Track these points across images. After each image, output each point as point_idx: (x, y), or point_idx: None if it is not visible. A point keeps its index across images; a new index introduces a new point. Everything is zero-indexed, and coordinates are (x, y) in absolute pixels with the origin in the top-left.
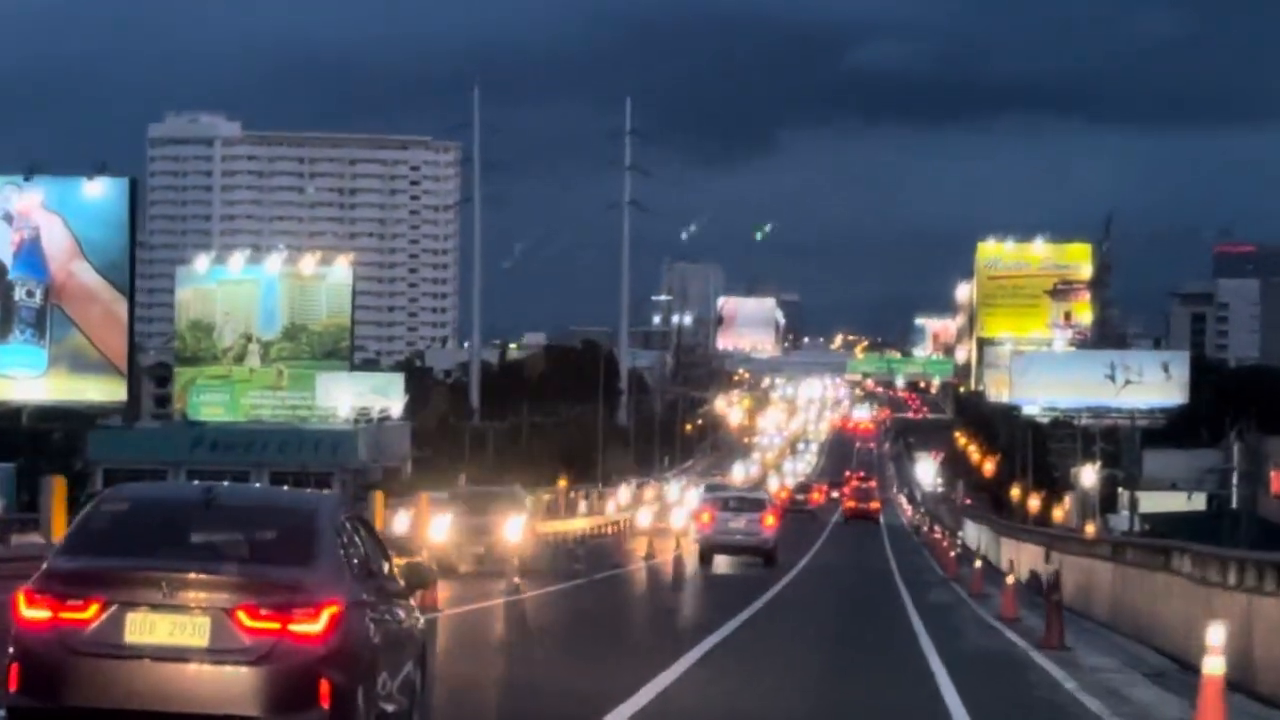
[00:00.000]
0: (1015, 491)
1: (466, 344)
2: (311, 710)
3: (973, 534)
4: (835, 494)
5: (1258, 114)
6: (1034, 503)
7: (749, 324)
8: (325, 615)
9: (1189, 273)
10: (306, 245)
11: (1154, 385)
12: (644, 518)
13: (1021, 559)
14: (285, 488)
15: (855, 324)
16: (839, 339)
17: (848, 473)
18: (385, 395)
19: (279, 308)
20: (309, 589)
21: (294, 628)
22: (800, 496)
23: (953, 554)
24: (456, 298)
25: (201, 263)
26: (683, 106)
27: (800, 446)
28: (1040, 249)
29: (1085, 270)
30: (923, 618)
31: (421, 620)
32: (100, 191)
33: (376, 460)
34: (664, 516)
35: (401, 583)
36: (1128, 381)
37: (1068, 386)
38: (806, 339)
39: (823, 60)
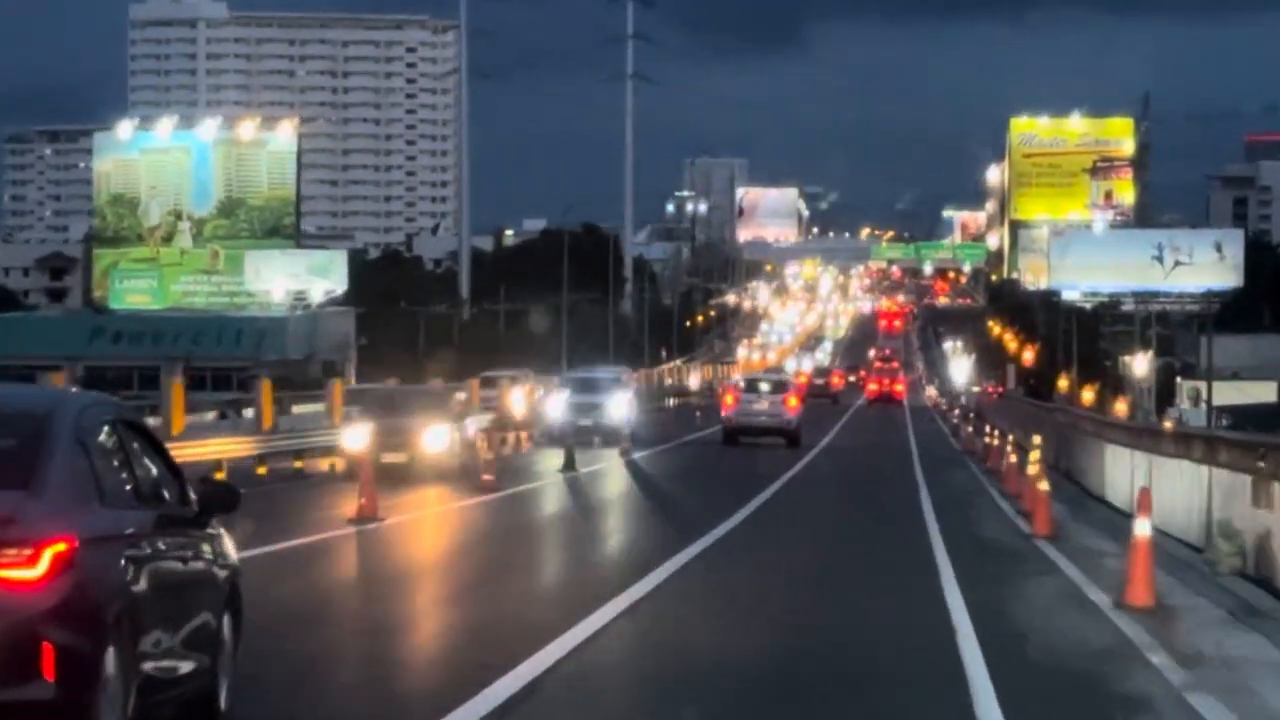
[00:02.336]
0: (1063, 383)
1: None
2: (30, 684)
3: (1103, 458)
4: (853, 378)
5: None
6: (1088, 395)
7: (770, 215)
8: (47, 556)
9: (1222, 161)
10: (298, 132)
11: (1206, 266)
12: (352, 439)
13: (1157, 490)
14: (19, 385)
15: (882, 218)
16: (865, 233)
17: (873, 351)
18: (325, 276)
19: (213, 179)
20: (24, 521)
21: (3, 574)
22: (820, 381)
23: (1041, 486)
24: (457, 186)
25: (124, 129)
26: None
27: (811, 344)
28: (1078, 124)
29: (1127, 146)
30: None
31: (232, 554)
32: None
33: (312, 351)
34: (406, 443)
35: (196, 508)
36: (1177, 263)
37: (1111, 269)
38: (832, 233)
39: None
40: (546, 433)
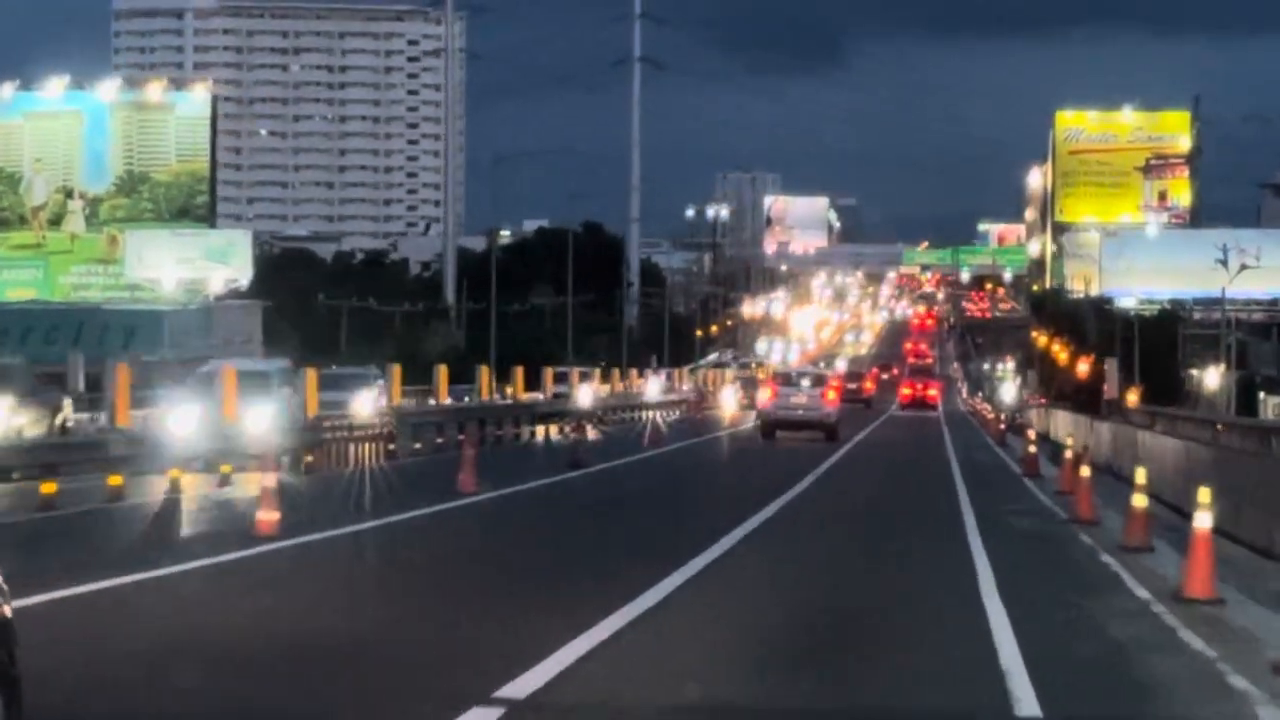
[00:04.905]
0: (1132, 397)
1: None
2: None
3: None
4: (886, 376)
5: None
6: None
7: (799, 224)
8: None
9: (1268, 174)
10: (291, 130)
11: (1277, 270)
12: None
13: None
14: None
15: (916, 231)
16: (899, 246)
17: (908, 345)
18: (225, 262)
19: (111, 150)
20: None
21: None
22: (852, 385)
23: None
24: (462, 188)
25: (5, 88)
26: (749, 16)
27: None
28: (1130, 118)
29: (1183, 142)
30: None
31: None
32: None
33: (197, 353)
34: None
35: None
36: (1244, 266)
37: (1169, 274)
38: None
39: None
40: None
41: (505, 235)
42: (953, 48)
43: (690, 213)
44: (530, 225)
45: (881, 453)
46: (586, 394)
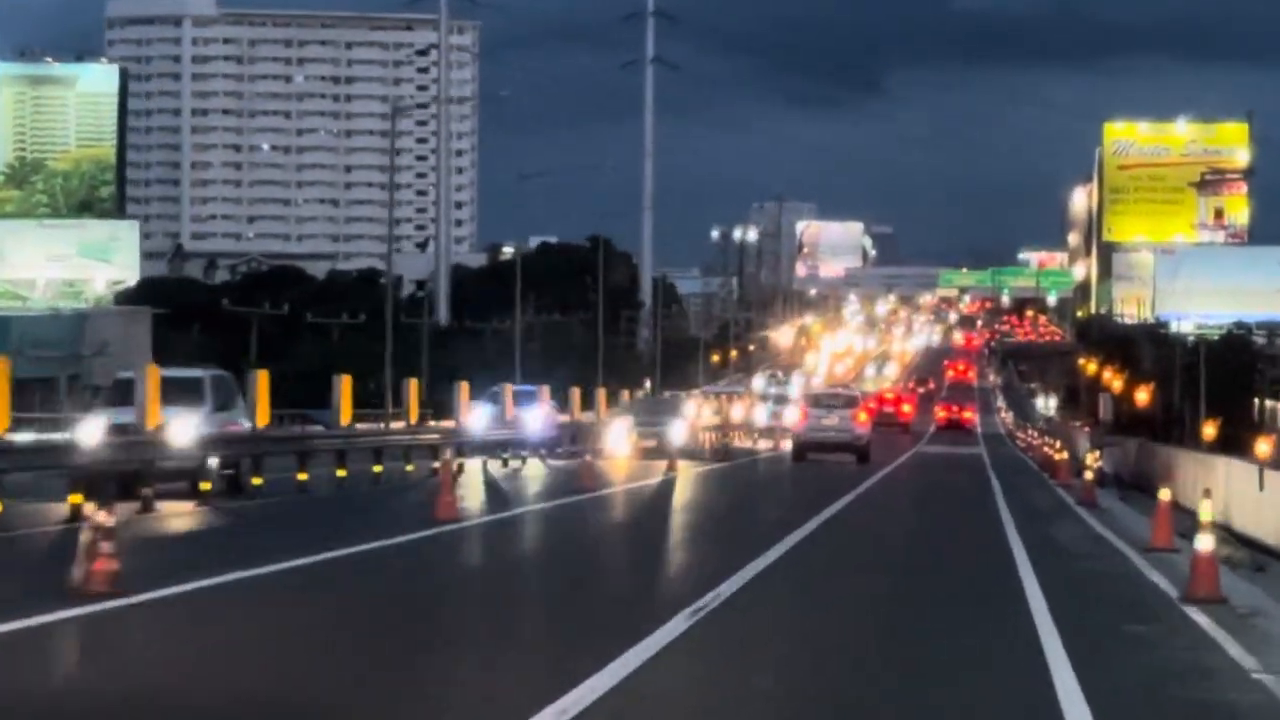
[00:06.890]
0: (1209, 430)
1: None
2: None
3: None
4: (923, 390)
5: None
6: (1264, 447)
7: (832, 250)
8: None
9: None
10: (295, 144)
11: None
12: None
13: None
14: None
15: (953, 261)
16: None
17: (946, 362)
18: (105, 259)
19: (1, 133)
20: None
21: None
22: (888, 409)
23: None
24: (474, 206)
25: None
26: (788, 45)
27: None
28: (1184, 130)
29: (1240, 156)
30: None
31: None
32: None
33: (60, 368)
34: None
35: None
36: None
37: (1228, 295)
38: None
39: (932, 1)
40: None
41: (508, 252)
42: (989, 78)
43: (715, 234)
44: (537, 241)
45: (886, 526)
46: (183, 427)
